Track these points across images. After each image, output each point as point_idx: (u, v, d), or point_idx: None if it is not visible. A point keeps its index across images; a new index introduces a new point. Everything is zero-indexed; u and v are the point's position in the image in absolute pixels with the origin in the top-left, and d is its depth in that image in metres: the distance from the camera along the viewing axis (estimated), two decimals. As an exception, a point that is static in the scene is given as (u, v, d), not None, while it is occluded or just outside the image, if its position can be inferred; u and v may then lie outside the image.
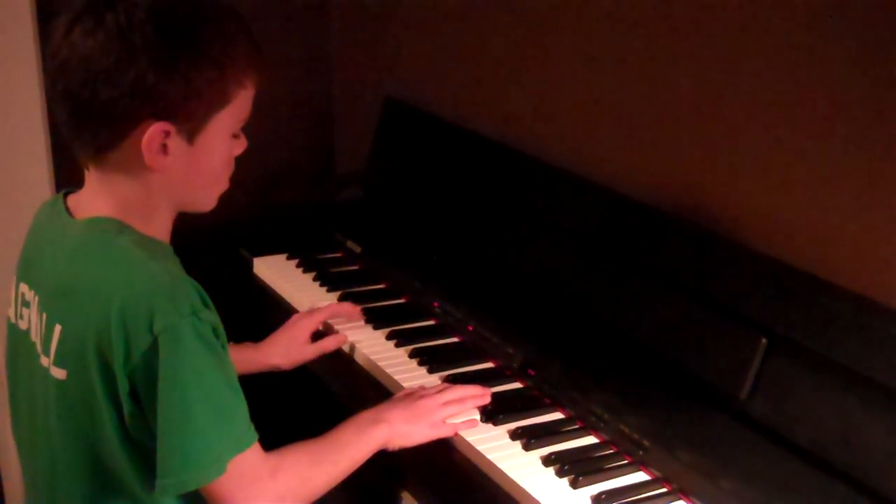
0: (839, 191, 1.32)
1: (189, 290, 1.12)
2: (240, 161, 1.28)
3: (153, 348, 1.08)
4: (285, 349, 1.58)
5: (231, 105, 1.17)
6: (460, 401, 1.38)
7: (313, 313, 1.63)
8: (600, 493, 1.21)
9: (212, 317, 1.14)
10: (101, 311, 1.10)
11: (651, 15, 1.56)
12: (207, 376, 1.11)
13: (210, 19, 1.15)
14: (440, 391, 1.40)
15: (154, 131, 1.13)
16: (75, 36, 1.11)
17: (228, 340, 1.18)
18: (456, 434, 1.35)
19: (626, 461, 1.29)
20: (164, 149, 1.15)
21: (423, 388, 1.43)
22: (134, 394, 1.12)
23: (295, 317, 1.64)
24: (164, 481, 1.11)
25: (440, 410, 1.36)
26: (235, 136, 1.23)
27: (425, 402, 1.37)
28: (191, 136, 1.16)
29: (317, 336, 1.62)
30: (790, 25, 1.35)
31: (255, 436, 1.16)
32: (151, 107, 1.12)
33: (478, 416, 1.38)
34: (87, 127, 1.15)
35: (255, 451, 1.16)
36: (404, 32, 2.18)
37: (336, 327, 1.63)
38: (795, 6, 1.34)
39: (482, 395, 1.41)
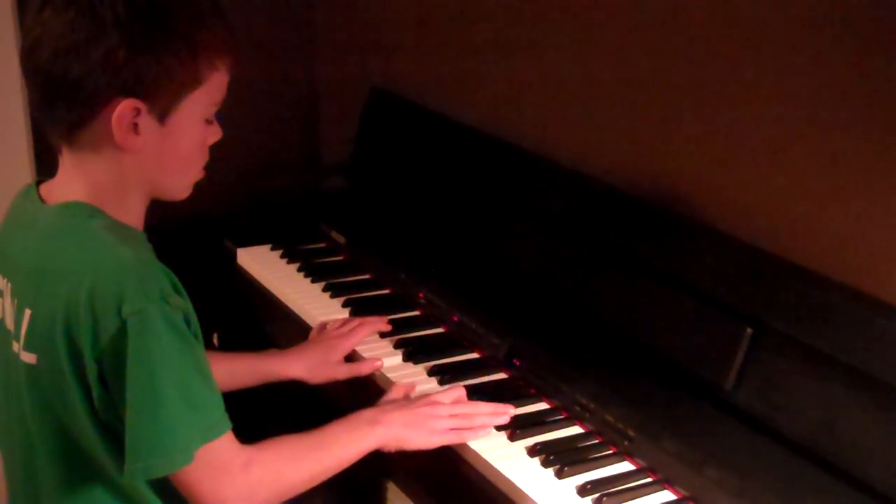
0: (829, 182, 1.32)
1: (159, 276, 1.11)
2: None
3: (121, 332, 1.08)
4: (316, 364, 1.52)
5: (204, 87, 1.17)
6: (468, 416, 1.32)
7: (351, 336, 1.55)
8: (585, 483, 1.21)
9: (183, 303, 1.13)
10: (71, 293, 1.10)
11: (643, 4, 1.56)
12: (176, 362, 1.10)
13: (183, 0, 1.16)
14: (453, 400, 1.35)
15: (124, 108, 1.13)
16: (47, 14, 1.12)
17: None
18: (462, 443, 1.29)
19: (611, 451, 1.29)
20: (135, 128, 1.15)
21: (434, 393, 1.37)
22: (102, 378, 1.11)
23: (331, 334, 1.56)
24: (132, 466, 1.10)
25: (444, 420, 1.31)
26: (209, 123, 1.22)
27: (429, 409, 1.32)
28: (162, 116, 1.16)
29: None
30: (788, 19, 1.35)
31: (228, 426, 1.14)
32: (122, 83, 1.12)
33: (492, 428, 1.32)
34: (58, 105, 1.15)
35: (226, 441, 1.14)
36: (389, 21, 2.17)
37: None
38: (795, 1, 1.34)
39: (496, 413, 1.33)
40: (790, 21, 1.34)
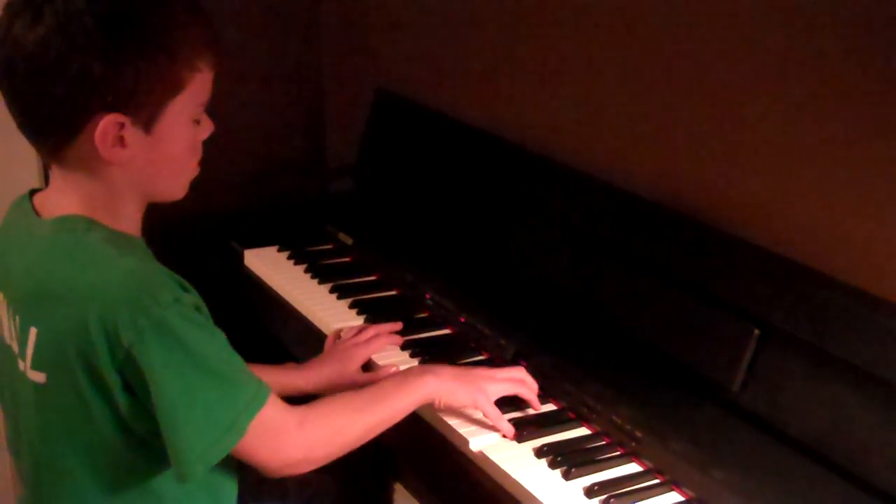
0: (836, 182, 1.32)
1: (166, 280, 1.11)
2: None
3: (141, 342, 1.07)
4: (335, 376, 1.50)
5: (186, 90, 1.15)
6: (516, 383, 1.35)
7: (368, 345, 1.53)
8: (593, 485, 1.21)
9: (193, 298, 1.13)
10: (78, 313, 1.09)
11: (649, 6, 1.56)
12: (202, 353, 1.09)
13: (154, 4, 1.12)
14: (507, 377, 1.36)
15: (107, 124, 1.10)
16: (15, 32, 1.09)
17: (223, 334, 1.16)
18: (497, 428, 1.30)
19: (618, 452, 1.29)
20: (122, 141, 1.12)
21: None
22: (127, 387, 1.11)
23: (346, 344, 1.55)
24: (186, 467, 1.09)
25: (494, 383, 1.33)
26: (198, 121, 1.20)
27: (481, 371, 1.35)
28: (147, 125, 1.13)
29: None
30: (791, 20, 1.34)
31: (269, 390, 1.14)
32: (100, 99, 1.09)
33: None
34: (39, 125, 1.13)
35: (273, 405, 1.14)
36: (396, 22, 2.17)
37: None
38: (797, 2, 1.34)
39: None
40: (793, 20, 1.34)
